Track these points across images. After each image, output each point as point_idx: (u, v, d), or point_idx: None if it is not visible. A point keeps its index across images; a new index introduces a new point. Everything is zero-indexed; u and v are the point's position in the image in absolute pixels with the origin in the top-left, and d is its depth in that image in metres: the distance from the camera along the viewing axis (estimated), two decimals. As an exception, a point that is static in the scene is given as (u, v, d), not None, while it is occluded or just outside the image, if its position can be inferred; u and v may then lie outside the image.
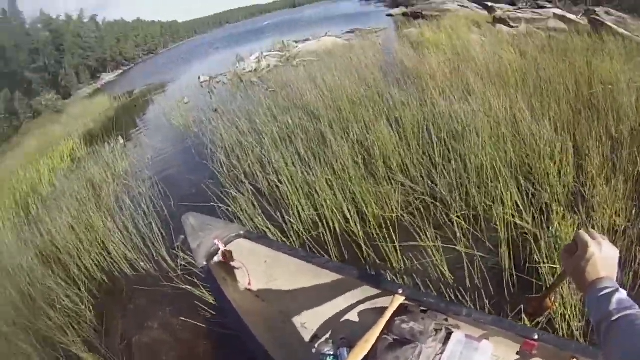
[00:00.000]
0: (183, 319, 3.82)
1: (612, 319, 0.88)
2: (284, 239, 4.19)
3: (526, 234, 3.37)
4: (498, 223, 3.44)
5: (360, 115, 5.95)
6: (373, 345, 2.28)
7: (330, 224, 4.22)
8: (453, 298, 3.08)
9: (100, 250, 5.27)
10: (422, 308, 2.48)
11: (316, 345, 2.86)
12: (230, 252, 3.38)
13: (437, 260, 3.33)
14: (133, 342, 3.99)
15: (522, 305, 2.77)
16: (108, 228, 5.55)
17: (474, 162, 4.15)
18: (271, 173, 5.33)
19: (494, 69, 6.62)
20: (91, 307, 4.57)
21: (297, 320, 3.10)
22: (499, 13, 12.59)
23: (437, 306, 2.44)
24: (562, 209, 3.30)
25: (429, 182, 4.30)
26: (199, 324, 3.67)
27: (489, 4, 15.28)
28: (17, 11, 54.59)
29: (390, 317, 2.41)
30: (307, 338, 2.98)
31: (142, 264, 4.87)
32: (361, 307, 2.89)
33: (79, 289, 4.78)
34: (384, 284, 2.77)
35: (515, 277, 3.13)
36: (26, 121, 33.67)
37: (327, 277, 3.00)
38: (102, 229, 5.57)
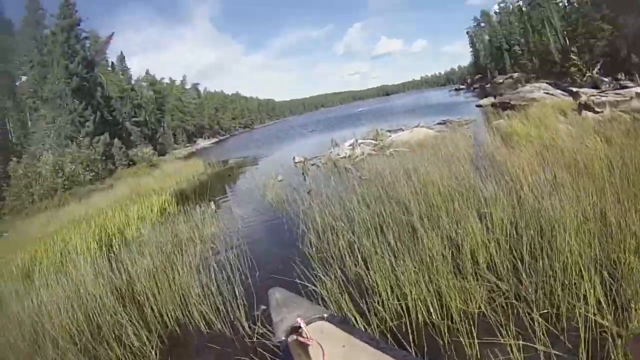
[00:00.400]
0: None
1: None
2: (366, 325, 4.29)
3: (605, 332, 3.35)
4: (579, 321, 3.43)
5: (450, 209, 6.05)
6: None
7: (413, 314, 4.33)
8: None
9: (180, 303, 5.59)
10: None
11: None
12: (309, 332, 3.47)
13: (514, 358, 3.36)
14: None
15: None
16: (189, 283, 5.89)
17: (560, 259, 4.18)
18: (359, 259, 5.50)
19: (581, 159, 6.62)
20: (157, 352, 4.86)
21: None
22: (583, 98, 12.52)
23: None
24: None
25: (514, 279, 4.35)
26: None
27: (574, 89, 15.21)
28: (125, 67, 60.26)
29: None
30: None
31: (218, 324, 5.11)
32: None
33: (149, 331, 5.09)
34: None
35: None
36: (121, 168, 35.71)
37: None
38: (183, 283, 5.92)
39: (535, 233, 4.87)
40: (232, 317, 5.14)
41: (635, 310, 3.26)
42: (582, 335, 3.33)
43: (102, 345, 4.85)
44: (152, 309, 5.59)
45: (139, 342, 4.94)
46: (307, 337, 3.45)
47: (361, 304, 4.57)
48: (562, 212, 4.86)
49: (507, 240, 4.98)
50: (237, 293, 5.51)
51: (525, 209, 5.42)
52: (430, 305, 4.25)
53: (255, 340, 4.61)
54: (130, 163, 37.49)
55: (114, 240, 10.03)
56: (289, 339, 3.45)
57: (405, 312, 4.35)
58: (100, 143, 35.07)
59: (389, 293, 4.63)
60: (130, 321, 5.15)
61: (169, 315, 5.50)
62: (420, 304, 4.34)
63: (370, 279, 4.96)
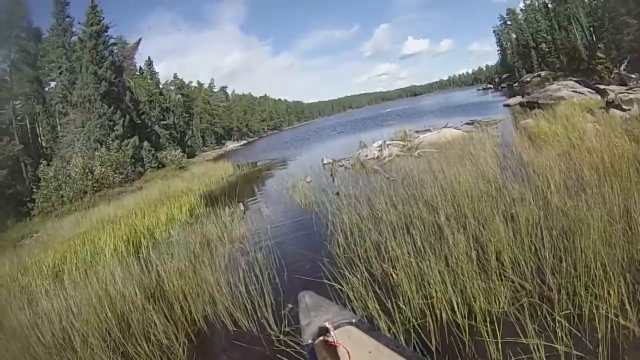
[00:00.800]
0: None
1: None
2: (390, 324, 4.36)
3: (628, 333, 3.39)
4: (602, 322, 3.48)
5: (477, 210, 6.08)
6: None
7: (438, 313, 4.40)
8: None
9: (208, 302, 5.73)
10: None
11: None
12: (337, 336, 3.52)
13: (536, 358, 3.41)
14: None
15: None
16: (218, 283, 6.00)
17: (584, 259, 4.20)
18: (386, 260, 5.57)
19: (608, 158, 6.59)
20: (185, 349, 4.97)
21: None
22: (611, 96, 12.33)
23: None
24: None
25: (539, 279, 4.39)
26: None
27: (601, 87, 14.99)
28: (153, 71, 61.38)
29: None
30: None
31: (245, 322, 5.24)
32: None
33: (177, 329, 5.20)
34: None
35: None
36: (150, 170, 36.38)
37: None
38: (211, 282, 6.03)
39: (560, 233, 4.90)
40: (259, 315, 5.26)
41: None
42: (604, 336, 3.38)
43: (131, 342, 4.98)
44: (181, 307, 5.74)
45: (167, 339, 5.07)
46: (335, 341, 3.51)
47: (387, 303, 4.62)
48: (587, 213, 4.85)
49: (532, 240, 4.99)
50: (264, 292, 5.62)
51: (551, 209, 5.43)
52: (454, 305, 4.31)
53: (282, 338, 4.69)
54: (160, 165, 37.98)
55: (143, 241, 10.22)
56: (316, 342, 3.52)
57: (430, 311, 4.40)
58: (129, 146, 35.68)
59: (414, 292, 4.70)
60: (159, 319, 5.28)
61: (197, 314, 5.64)
62: (444, 303, 4.40)
63: (396, 279, 5.03)
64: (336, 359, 3.58)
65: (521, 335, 3.63)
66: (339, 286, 5.13)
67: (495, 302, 4.30)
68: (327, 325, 3.54)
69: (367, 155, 16.13)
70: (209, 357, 5.00)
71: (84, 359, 4.93)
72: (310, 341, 3.51)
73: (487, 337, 3.77)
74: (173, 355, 4.89)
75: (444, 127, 17.77)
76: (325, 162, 17.92)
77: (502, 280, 4.50)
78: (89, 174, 28.61)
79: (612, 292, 3.72)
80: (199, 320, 5.60)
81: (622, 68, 18.26)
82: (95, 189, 28.25)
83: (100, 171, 29.19)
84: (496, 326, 3.77)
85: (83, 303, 6.00)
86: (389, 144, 16.80)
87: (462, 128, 17.06)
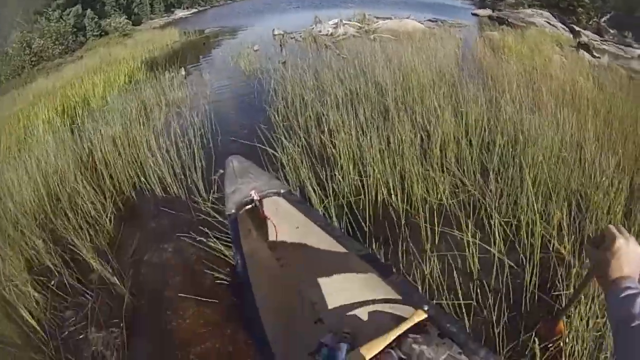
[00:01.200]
0: (197, 252, 3.92)
1: (633, 324, 0.86)
2: (323, 197, 4.15)
3: (562, 259, 3.28)
4: (537, 239, 3.39)
5: (427, 100, 5.85)
6: (375, 356, 2.10)
7: (374, 193, 4.21)
8: (473, 298, 3.03)
9: (137, 168, 5.38)
10: (440, 332, 2.22)
11: (317, 330, 2.76)
12: (262, 205, 3.27)
13: (469, 255, 3.33)
14: (143, 259, 4.13)
15: (538, 326, 2.71)
16: (150, 147, 5.68)
17: (532, 174, 4.05)
18: (326, 132, 5.32)
19: (569, 90, 6.45)
20: (112, 218, 4.71)
21: (308, 297, 3.02)
22: (583, 39, 12.16)
23: (457, 336, 2.14)
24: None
25: (481, 181, 4.23)
26: (210, 263, 3.71)
27: (576, 28, 14.78)
28: None
29: (404, 331, 2.19)
30: (310, 318, 2.89)
31: (174, 188, 4.99)
32: (379, 308, 2.74)
33: (105, 199, 4.93)
34: (411, 294, 2.50)
35: (537, 296, 3.08)
36: (92, 39, 33.43)
37: (355, 264, 2.80)
38: (143, 148, 5.69)
39: (509, 142, 4.78)
40: (189, 181, 5.00)
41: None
42: (536, 254, 3.28)
43: (60, 218, 4.63)
44: (111, 177, 5.36)
45: (95, 210, 4.78)
46: (260, 212, 3.25)
47: (321, 175, 4.40)
48: (539, 131, 4.78)
49: (480, 142, 4.85)
50: (197, 157, 5.37)
51: (503, 118, 5.28)
52: (391, 187, 4.12)
53: (210, 206, 4.46)
54: (102, 34, 34.96)
55: (78, 111, 9.34)
56: (239, 212, 3.21)
57: (365, 190, 4.21)
58: (71, 15, 32.53)
59: (351, 168, 4.48)
60: (87, 191, 4.93)
61: (127, 183, 5.27)
62: (381, 184, 4.19)
63: (333, 152, 4.80)
64: (260, 231, 3.36)
65: (456, 229, 3.52)
66: (273, 152, 4.90)
67: (434, 191, 4.12)
68: (254, 195, 3.24)
69: (320, 31, 15.31)
70: (136, 225, 4.69)
71: (15, 241, 4.48)
72: (233, 211, 3.21)
73: (422, 222, 3.64)
74: (100, 226, 4.58)
75: (406, 17, 17.06)
76: (275, 33, 16.86)
77: (443, 172, 4.33)
78: (27, 48, 25.91)
79: (552, 214, 3.61)
80: (128, 189, 5.23)
81: (602, 20, 17.95)
82: (33, 63, 25.63)
83: (39, 44, 26.50)
84: (434, 216, 3.64)
85: (15, 184, 5.49)
86: (345, 23, 16.00)
87: (425, 23, 16.41)
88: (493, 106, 5.67)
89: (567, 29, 15.05)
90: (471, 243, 3.33)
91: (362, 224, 3.88)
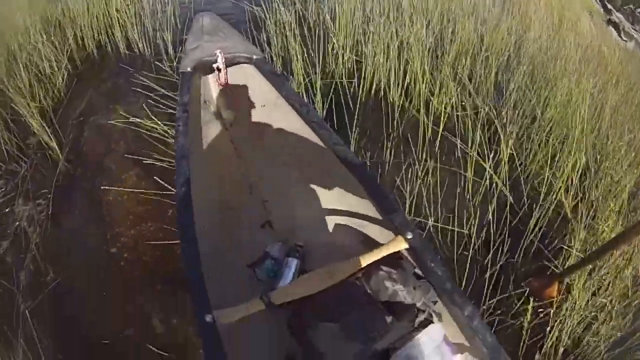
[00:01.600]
0: (151, 116, 3.35)
1: None
2: (311, 73, 3.54)
3: (566, 216, 2.84)
4: (544, 185, 2.93)
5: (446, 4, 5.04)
6: (333, 286, 1.64)
7: (369, 79, 3.59)
8: (465, 229, 2.60)
9: (105, 24, 4.68)
10: (417, 271, 1.71)
11: (263, 236, 2.29)
12: (227, 72, 2.47)
13: (469, 177, 2.90)
14: (88, 122, 3.64)
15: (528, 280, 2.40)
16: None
17: (546, 116, 3.59)
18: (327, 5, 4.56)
19: (593, 56, 5.74)
20: (66, 75, 4.12)
21: (259, 191, 2.49)
22: (614, 18, 11.53)
23: (438, 281, 1.63)
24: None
25: (494, 102, 3.70)
26: (164, 132, 3.22)
27: (609, 6, 14.13)
28: None
29: (376, 261, 1.68)
30: (258, 219, 2.38)
31: (140, 45, 4.35)
32: (349, 223, 2.18)
33: (63, 55, 4.28)
34: (394, 214, 1.81)
35: (536, 247, 2.65)
36: None
37: (329, 162, 2.10)
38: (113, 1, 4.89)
39: (527, 75, 4.17)
40: (158, 38, 4.31)
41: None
42: (542, 200, 2.86)
43: (12, 78, 3.96)
44: (74, 33, 4.59)
45: (49, 67, 4.11)
46: (222, 79, 2.47)
47: (311, 47, 3.81)
48: (561, 77, 4.22)
49: (497, 64, 4.18)
50: (169, 14, 4.57)
51: (525, 49, 4.71)
52: (392, 79, 3.53)
53: (175, 65, 3.91)
54: None
55: None
56: (196, 72, 2.46)
57: (361, 72, 3.62)
58: None
59: (348, 46, 3.85)
60: (46, 46, 4.25)
61: (91, 39, 4.55)
62: (380, 71, 3.60)
63: (331, 26, 4.09)
64: (217, 103, 2.62)
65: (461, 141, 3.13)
66: (261, 13, 4.24)
67: (440, 96, 3.51)
68: (218, 55, 2.41)
69: None
70: (90, 84, 4.08)
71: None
72: (189, 69, 2.43)
73: (423, 121, 3.14)
74: (52, 84, 3.99)
75: None
76: None
77: (454, 80, 3.71)
78: None
79: (566, 162, 3.08)
80: (91, 47, 4.50)
81: (638, 10, 17.30)
82: None
83: None
84: (437, 121, 3.23)
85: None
86: None
87: None
88: (514, 35, 4.95)
89: (599, 2, 14.47)
90: (474, 163, 2.89)
91: (348, 113, 3.27)
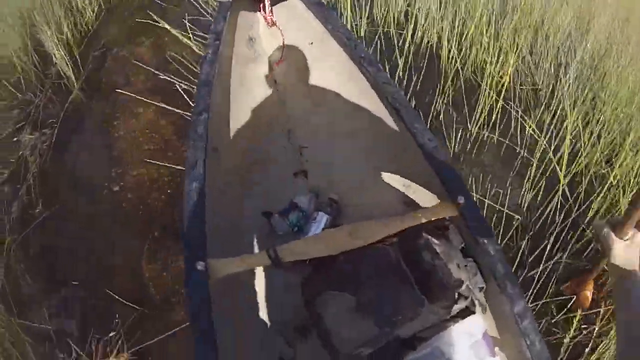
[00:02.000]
0: (179, 50, 3.24)
1: None
2: (357, 18, 3.26)
3: None
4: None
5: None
6: (358, 249, 1.35)
7: (420, 33, 3.26)
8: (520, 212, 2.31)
9: None
10: (465, 245, 1.44)
11: (292, 184, 2.05)
12: (272, 10, 2.14)
13: (526, 153, 2.64)
14: (110, 53, 3.49)
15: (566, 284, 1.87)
16: None
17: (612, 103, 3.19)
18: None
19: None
20: (96, 9, 3.95)
21: (296, 137, 2.20)
22: None
23: (489, 262, 1.29)
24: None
25: (554, 79, 3.35)
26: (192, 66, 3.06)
27: None
28: None
29: (416, 226, 1.39)
30: (291, 166, 2.12)
31: None
32: (392, 181, 1.86)
33: None
34: (447, 175, 1.44)
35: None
36: None
37: (376, 107, 1.86)
38: None
39: (592, 57, 3.79)
40: None
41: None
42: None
43: (45, 13, 3.77)
44: None
45: (82, 2, 3.92)
46: (268, 16, 2.13)
47: None
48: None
49: (559, 38, 3.83)
50: None
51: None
52: (447, 38, 3.16)
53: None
54: None
55: None
56: (237, 2, 2.07)
57: (414, 25, 3.25)
58: None
59: None
60: None
61: None
62: (434, 27, 3.27)
63: None
64: (259, 40, 2.24)
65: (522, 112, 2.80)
66: None
67: (497, 65, 3.14)
68: None
69: None
70: (121, 13, 3.93)
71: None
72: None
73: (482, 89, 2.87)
74: (81, 17, 3.84)
75: None
76: None
77: (514, 52, 3.33)
78: None
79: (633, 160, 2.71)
80: None
81: None
82: None
83: None
84: (493, 88, 2.91)
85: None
86: None
87: None
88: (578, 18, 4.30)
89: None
90: (531, 143, 2.64)
91: (394, 65, 2.97)
